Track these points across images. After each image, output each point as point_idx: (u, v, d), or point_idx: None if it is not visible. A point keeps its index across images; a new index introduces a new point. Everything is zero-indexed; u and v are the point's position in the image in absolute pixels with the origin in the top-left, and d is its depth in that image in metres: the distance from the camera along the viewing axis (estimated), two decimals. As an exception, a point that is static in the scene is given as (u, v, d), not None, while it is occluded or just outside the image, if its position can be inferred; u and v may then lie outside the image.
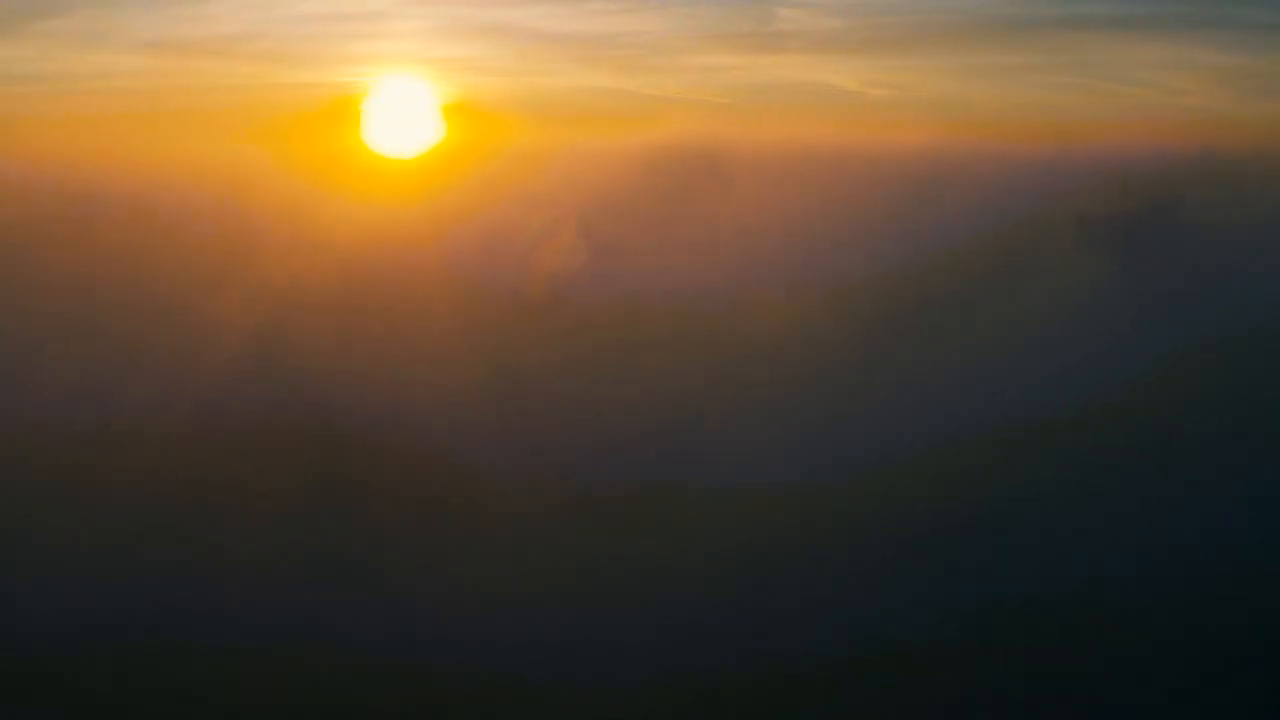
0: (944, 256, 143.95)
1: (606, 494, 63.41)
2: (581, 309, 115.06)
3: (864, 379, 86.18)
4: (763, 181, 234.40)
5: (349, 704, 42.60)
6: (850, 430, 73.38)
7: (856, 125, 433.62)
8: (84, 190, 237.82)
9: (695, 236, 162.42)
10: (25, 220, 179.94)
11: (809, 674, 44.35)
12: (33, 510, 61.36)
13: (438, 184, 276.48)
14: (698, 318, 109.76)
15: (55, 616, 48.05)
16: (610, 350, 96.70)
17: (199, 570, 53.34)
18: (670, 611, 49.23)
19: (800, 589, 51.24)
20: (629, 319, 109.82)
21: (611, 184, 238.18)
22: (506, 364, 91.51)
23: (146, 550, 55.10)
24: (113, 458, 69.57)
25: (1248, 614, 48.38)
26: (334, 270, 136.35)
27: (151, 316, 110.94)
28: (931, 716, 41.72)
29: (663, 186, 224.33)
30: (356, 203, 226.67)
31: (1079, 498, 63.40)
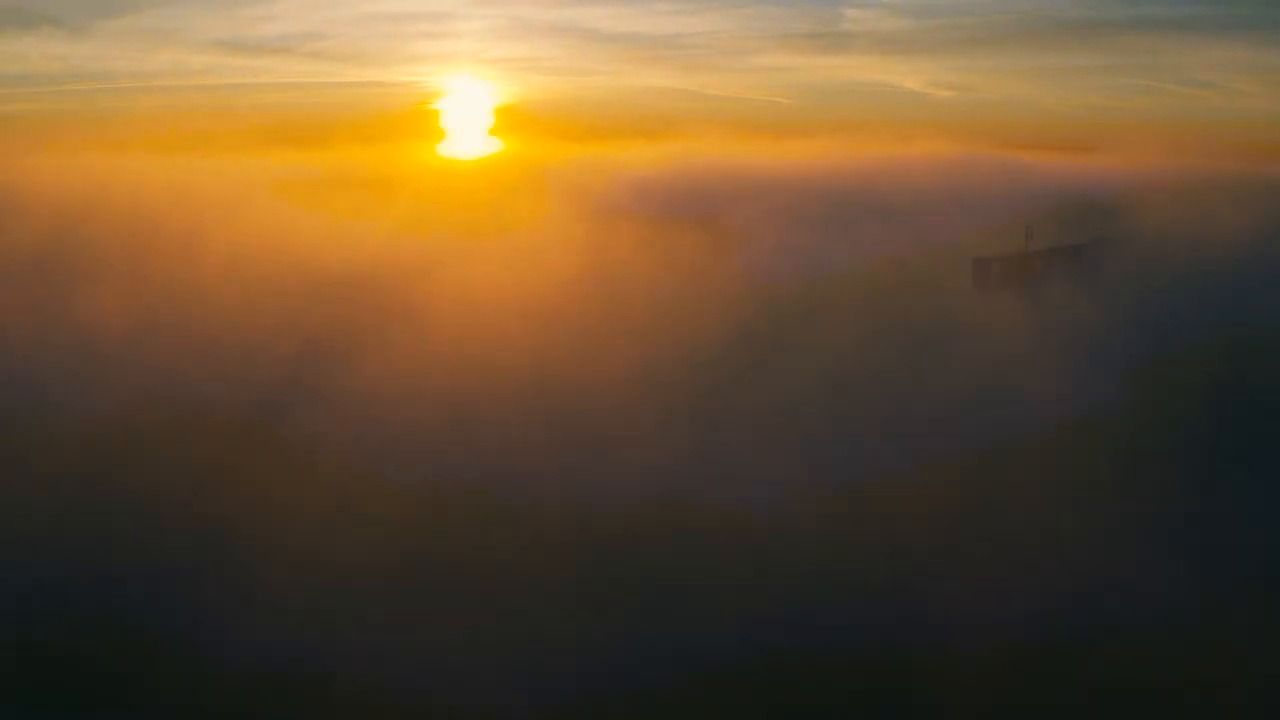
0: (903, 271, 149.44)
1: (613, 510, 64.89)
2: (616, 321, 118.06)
3: (828, 395, 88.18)
4: (781, 195, 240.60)
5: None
6: (829, 446, 75.27)
7: (888, 133, 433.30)
8: (141, 188, 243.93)
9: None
10: (86, 218, 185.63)
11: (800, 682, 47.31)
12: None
13: (499, 191, 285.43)
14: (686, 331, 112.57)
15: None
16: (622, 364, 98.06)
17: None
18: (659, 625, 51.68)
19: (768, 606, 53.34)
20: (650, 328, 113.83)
21: (647, 197, 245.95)
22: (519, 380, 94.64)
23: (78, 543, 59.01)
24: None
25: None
26: (389, 280, 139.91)
27: (199, 319, 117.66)
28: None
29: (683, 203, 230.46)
30: (418, 209, 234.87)
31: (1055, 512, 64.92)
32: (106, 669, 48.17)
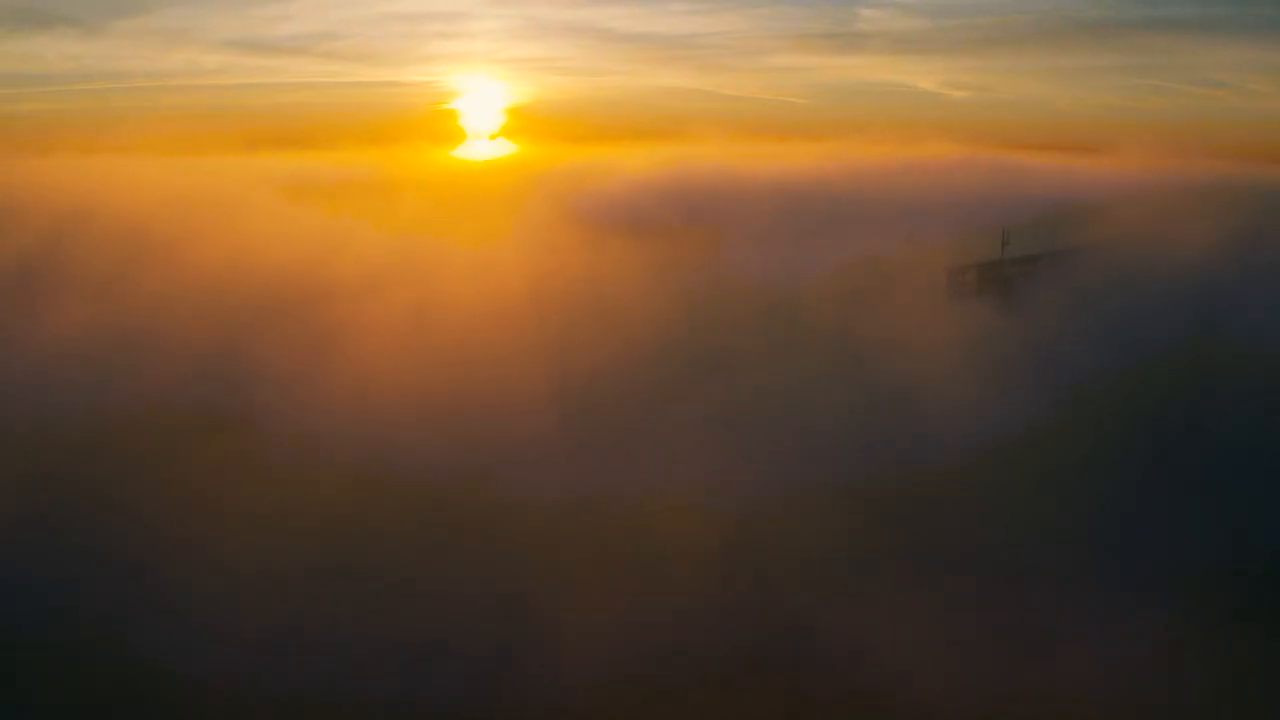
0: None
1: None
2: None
3: (759, 404, 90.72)
4: (785, 198, 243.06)
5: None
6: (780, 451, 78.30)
7: (901, 133, 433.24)
8: (152, 188, 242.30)
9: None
10: (96, 218, 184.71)
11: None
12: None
13: (510, 193, 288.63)
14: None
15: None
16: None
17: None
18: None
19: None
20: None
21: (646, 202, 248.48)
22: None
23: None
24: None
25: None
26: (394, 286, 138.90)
27: (203, 320, 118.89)
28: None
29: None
30: (427, 211, 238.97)
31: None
32: (75, 674, 49.89)
